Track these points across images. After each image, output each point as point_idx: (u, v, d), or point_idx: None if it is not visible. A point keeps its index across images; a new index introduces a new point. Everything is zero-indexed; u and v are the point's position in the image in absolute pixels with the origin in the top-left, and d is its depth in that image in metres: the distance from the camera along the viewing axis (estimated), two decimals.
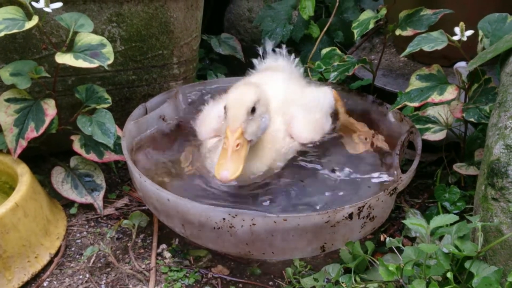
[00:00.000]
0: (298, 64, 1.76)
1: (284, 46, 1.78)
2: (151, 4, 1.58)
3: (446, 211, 1.47)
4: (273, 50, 1.77)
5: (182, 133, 1.58)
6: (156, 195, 1.25)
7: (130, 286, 1.31)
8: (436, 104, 1.50)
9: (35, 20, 1.31)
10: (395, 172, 1.33)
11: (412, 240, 1.42)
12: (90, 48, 1.38)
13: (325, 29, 2.01)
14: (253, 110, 1.27)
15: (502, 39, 1.31)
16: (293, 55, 1.77)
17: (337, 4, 2.03)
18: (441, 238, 1.25)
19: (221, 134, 1.37)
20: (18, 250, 1.30)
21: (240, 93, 1.30)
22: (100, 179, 1.58)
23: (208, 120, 1.50)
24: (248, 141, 1.27)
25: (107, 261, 1.39)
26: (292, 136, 1.46)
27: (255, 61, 1.77)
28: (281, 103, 1.48)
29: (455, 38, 1.38)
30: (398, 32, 1.53)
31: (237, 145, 1.24)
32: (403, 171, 1.34)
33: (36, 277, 1.33)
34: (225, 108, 1.29)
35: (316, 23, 2.11)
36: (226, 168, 1.21)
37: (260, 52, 1.78)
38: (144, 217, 1.46)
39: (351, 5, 2.08)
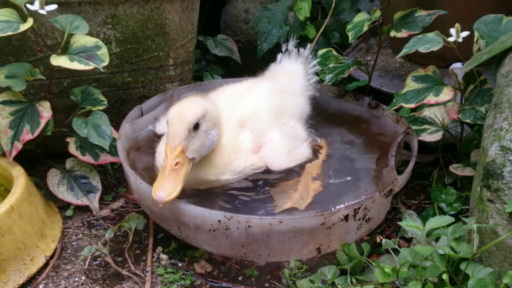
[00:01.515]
0: (314, 68, 1.67)
1: (308, 45, 1.69)
2: (146, 6, 1.57)
3: (442, 212, 1.47)
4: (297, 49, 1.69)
5: None
6: (152, 197, 1.24)
7: None
8: (432, 105, 1.50)
9: (30, 22, 1.31)
10: (391, 174, 1.33)
11: (409, 241, 1.42)
12: (85, 50, 1.37)
13: (321, 30, 2.01)
14: (196, 126, 1.21)
15: (498, 40, 1.31)
16: (313, 59, 1.69)
17: (333, 5, 2.03)
18: (437, 239, 1.25)
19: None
20: (14, 252, 1.29)
21: (182, 107, 1.22)
22: (96, 181, 1.57)
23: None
24: (190, 159, 1.21)
25: (103, 263, 1.39)
26: (264, 159, 1.38)
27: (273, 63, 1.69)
28: (253, 114, 1.41)
29: (451, 39, 1.38)
30: (392, 33, 1.53)
31: (176, 164, 1.17)
32: (400, 172, 1.34)
33: (31, 279, 1.33)
34: (167, 123, 1.23)
35: (313, 24, 2.10)
36: (163, 188, 1.15)
37: (283, 50, 1.69)
38: (141, 219, 1.46)
39: (347, 6, 2.07)
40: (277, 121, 1.45)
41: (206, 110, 1.24)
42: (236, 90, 1.51)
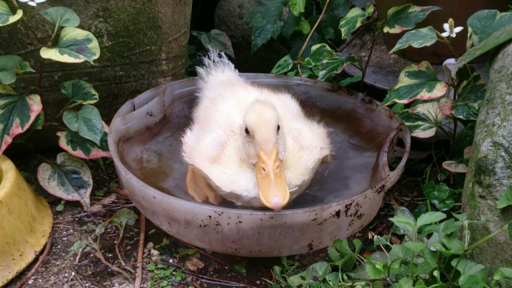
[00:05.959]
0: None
1: (224, 55, 1.69)
2: None
3: (435, 208, 1.47)
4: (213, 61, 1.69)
5: (171, 130, 1.57)
6: (142, 193, 1.23)
7: (116, 284, 1.30)
8: (425, 101, 1.49)
9: (19, 14, 1.29)
10: (384, 170, 1.32)
11: (401, 237, 1.41)
12: (75, 43, 1.36)
13: (316, 25, 2.00)
14: (278, 127, 1.22)
15: (491, 36, 1.30)
16: (232, 66, 1.69)
17: (328, 0, 2.01)
18: (429, 236, 1.25)
19: (246, 158, 1.25)
20: (2, 247, 1.28)
21: (262, 112, 1.22)
22: (87, 176, 1.56)
23: (203, 148, 1.38)
24: (281, 160, 1.22)
25: (93, 259, 1.38)
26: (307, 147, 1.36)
27: (201, 70, 1.67)
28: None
29: (444, 34, 1.37)
30: (386, 29, 1.52)
31: (277, 167, 1.17)
32: (392, 168, 1.33)
33: (20, 275, 1.32)
34: (246, 131, 1.21)
35: (307, 20, 2.09)
36: (275, 194, 1.14)
37: (206, 62, 1.68)
38: (132, 214, 1.45)
39: (342, 2, 2.06)
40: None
41: (276, 109, 1.25)
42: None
